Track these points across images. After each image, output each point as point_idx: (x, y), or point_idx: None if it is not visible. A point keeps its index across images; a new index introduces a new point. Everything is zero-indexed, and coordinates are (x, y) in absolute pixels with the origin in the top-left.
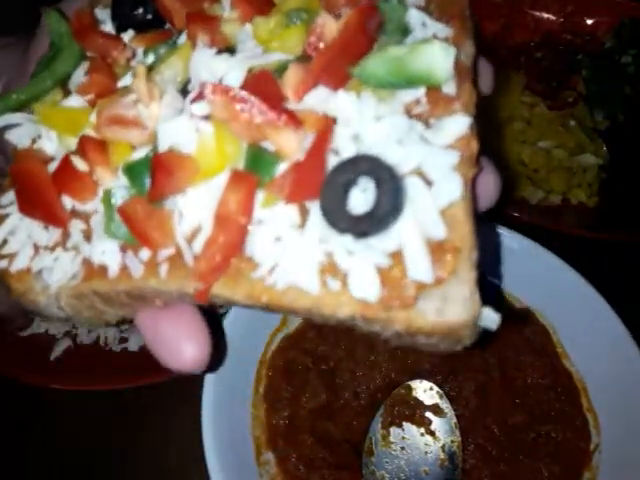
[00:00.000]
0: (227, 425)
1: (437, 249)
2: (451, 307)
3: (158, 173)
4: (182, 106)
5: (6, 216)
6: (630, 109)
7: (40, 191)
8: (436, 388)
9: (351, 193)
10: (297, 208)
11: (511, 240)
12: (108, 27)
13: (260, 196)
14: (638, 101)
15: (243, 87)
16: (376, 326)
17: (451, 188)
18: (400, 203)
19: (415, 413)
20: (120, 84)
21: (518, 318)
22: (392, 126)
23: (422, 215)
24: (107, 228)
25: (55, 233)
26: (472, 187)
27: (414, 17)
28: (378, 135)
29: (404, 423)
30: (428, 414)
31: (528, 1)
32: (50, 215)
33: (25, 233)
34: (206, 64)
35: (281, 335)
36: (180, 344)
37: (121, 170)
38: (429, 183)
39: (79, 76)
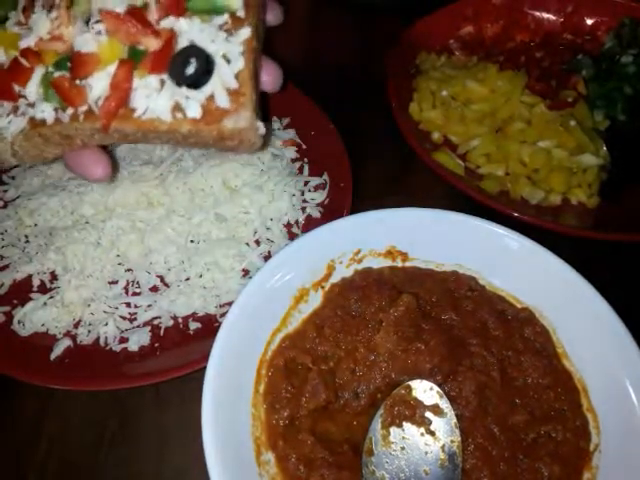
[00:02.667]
0: (227, 425)
1: (233, 93)
2: (240, 121)
3: (76, 63)
4: (86, 29)
5: None
6: (630, 109)
7: (1, 79)
8: (436, 388)
9: (186, 65)
10: (157, 78)
11: (511, 240)
12: None
13: (136, 73)
14: (638, 101)
15: (125, 14)
16: (201, 137)
17: (239, 64)
18: (210, 70)
19: (415, 413)
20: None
21: (518, 318)
22: (208, 34)
23: (224, 76)
24: (45, 96)
25: (8, 107)
26: (257, 69)
27: None
28: (203, 39)
29: (404, 423)
30: (428, 414)
31: (528, 1)
32: (8, 94)
33: None
34: (102, 2)
35: (281, 335)
36: (92, 166)
37: (51, 64)
38: (229, 61)
39: (12, 17)
